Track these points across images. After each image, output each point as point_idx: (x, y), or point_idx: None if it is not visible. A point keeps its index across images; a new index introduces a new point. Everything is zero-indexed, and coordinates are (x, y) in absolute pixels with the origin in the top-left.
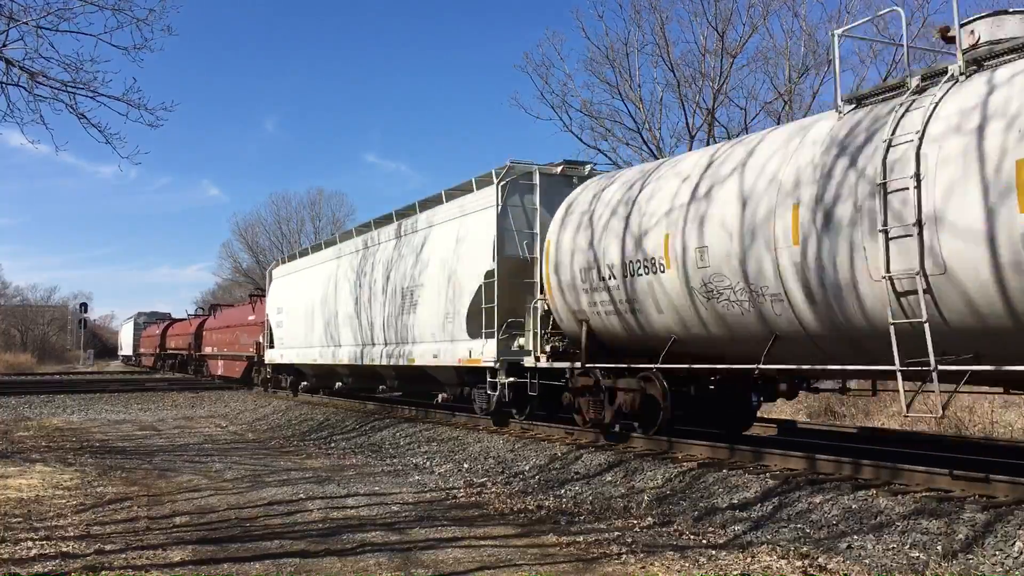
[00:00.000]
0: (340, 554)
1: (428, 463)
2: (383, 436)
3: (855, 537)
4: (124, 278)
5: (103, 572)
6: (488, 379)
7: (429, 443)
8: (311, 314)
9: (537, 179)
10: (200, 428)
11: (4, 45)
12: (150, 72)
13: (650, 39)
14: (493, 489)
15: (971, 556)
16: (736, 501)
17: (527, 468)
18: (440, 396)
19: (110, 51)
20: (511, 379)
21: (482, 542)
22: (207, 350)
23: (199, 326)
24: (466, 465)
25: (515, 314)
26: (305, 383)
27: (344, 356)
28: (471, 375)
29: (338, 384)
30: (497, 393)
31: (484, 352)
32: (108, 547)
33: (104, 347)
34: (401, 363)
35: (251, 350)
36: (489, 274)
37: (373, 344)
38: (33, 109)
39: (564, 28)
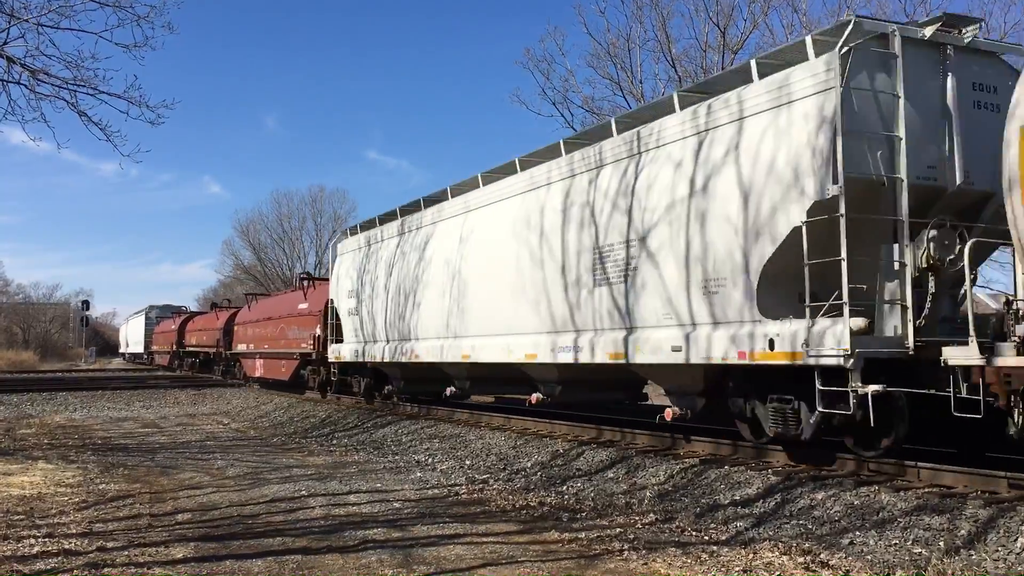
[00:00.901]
0: (342, 551)
1: (430, 460)
2: (385, 433)
3: (857, 533)
4: (125, 275)
5: (105, 569)
6: (820, 385)
7: (431, 440)
8: (410, 296)
9: (898, 46)
10: (202, 425)
11: (5, 43)
12: (151, 69)
13: (651, 35)
14: (495, 486)
15: (973, 552)
16: (738, 498)
17: (529, 465)
18: (667, 412)
19: (111, 49)
20: (875, 387)
21: (484, 539)
22: (241, 347)
23: (229, 320)
24: (468, 462)
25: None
26: (389, 387)
27: (477, 351)
28: (747, 381)
29: (450, 390)
30: (831, 411)
31: (814, 341)
32: (110, 544)
33: (106, 344)
34: (590, 360)
35: (304, 345)
36: (819, 208)
37: (531, 333)
38: (34, 107)
39: (566, 24)
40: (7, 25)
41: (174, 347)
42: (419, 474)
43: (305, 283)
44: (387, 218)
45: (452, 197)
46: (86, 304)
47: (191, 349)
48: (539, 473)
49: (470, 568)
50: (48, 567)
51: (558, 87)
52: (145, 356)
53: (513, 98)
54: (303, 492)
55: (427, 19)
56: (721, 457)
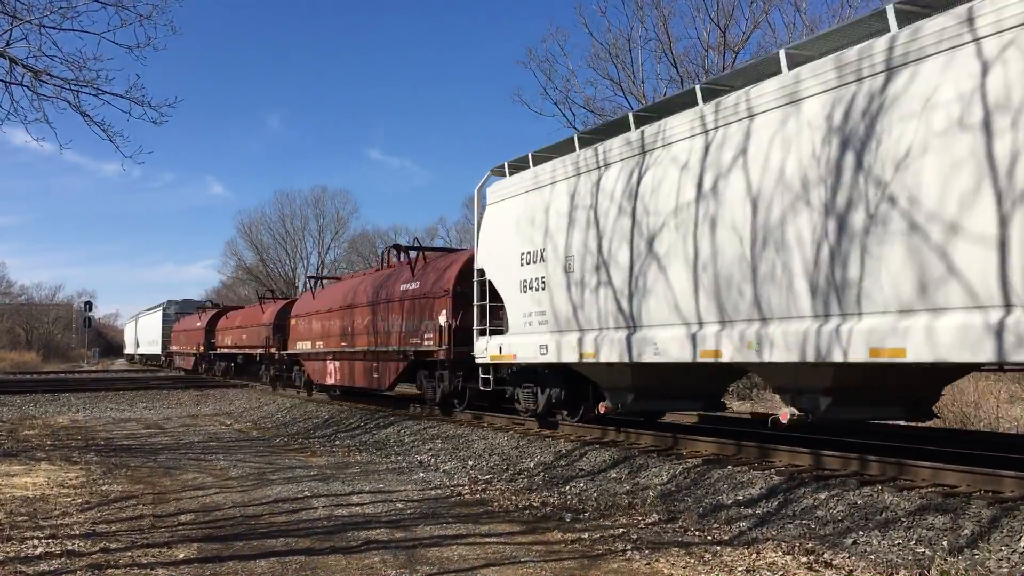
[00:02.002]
0: (345, 551)
1: (433, 460)
2: (387, 433)
3: (860, 533)
4: (128, 276)
5: (108, 570)
6: None
7: (433, 440)
8: (712, 245)
9: None
10: (205, 426)
11: (8, 44)
12: (153, 70)
13: (653, 35)
14: (498, 486)
15: (977, 552)
16: (741, 498)
17: (532, 465)
18: None
19: (113, 49)
20: None
21: (487, 539)
22: (303, 347)
23: (280, 312)
24: (471, 462)
25: None
26: (606, 403)
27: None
28: None
29: (790, 412)
30: None
31: None
32: (113, 545)
33: (109, 345)
34: None
35: (417, 340)
36: None
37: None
38: (37, 107)
39: (567, 23)
40: (9, 26)
41: (201, 348)
42: (422, 474)
43: (410, 255)
44: (590, 139)
45: (724, 93)
46: (89, 305)
47: (224, 351)
48: (542, 473)
49: (473, 568)
50: (51, 568)
51: (560, 87)
52: (163, 357)
53: (515, 98)
54: (306, 493)
55: (429, 19)
56: (724, 457)
